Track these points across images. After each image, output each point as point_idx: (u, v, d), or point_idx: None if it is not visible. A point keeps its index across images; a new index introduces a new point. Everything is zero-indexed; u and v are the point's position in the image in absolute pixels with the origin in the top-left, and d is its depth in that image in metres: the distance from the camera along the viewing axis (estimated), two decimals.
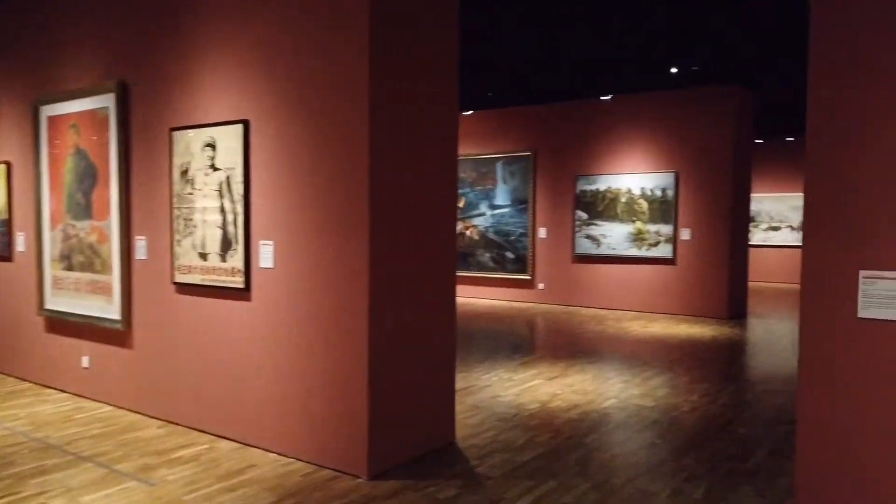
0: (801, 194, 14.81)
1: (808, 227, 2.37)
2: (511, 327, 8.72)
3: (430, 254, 3.84)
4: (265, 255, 3.78)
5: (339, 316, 3.49)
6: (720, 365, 6.42)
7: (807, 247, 2.37)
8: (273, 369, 3.80)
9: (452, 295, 4.02)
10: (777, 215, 14.83)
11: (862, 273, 2.21)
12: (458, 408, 4.72)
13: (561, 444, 4.05)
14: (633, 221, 10.01)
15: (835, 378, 2.30)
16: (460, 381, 5.53)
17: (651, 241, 9.86)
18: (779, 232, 14.80)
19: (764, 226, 14.83)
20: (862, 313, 2.21)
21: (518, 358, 6.58)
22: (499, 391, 5.30)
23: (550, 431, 4.28)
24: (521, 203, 11.08)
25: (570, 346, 7.37)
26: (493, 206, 11.39)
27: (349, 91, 3.41)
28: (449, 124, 3.95)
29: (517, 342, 7.65)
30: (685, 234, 9.59)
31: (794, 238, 14.58)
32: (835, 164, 2.33)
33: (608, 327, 8.53)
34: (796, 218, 14.55)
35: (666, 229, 9.71)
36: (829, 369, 2.31)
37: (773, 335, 8.12)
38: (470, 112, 11.26)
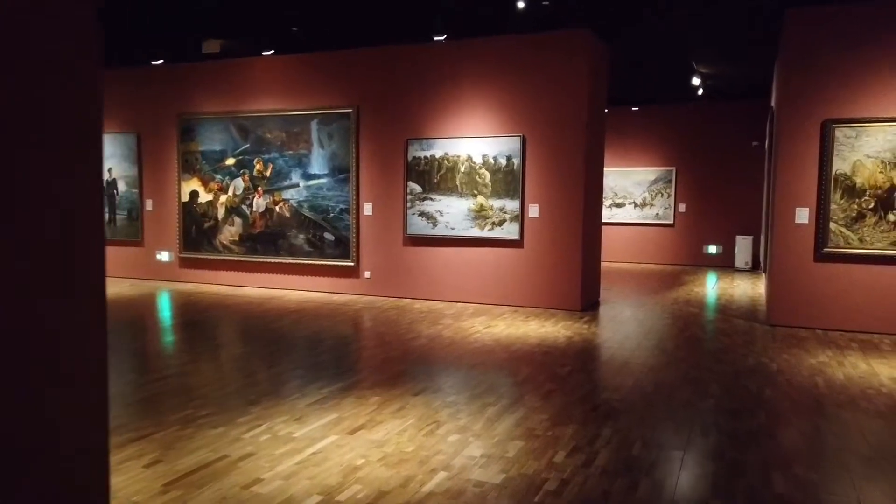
0: (647, 169, 14.30)
1: None
2: (319, 335, 6.67)
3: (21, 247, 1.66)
4: None
5: None
6: (584, 387, 4.85)
7: None
8: None
9: (97, 328, 1.86)
10: (621, 191, 14.06)
11: None
12: None
13: None
14: (475, 195, 8.33)
15: None
16: (207, 449, 3.39)
17: (495, 220, 8.24)
18: (622, 209, 14.06)
19: (608, 202, 14.00)
20: None
21: (314, 390, 4.56)
22: (261, 468, 3.25)
23: None
24: (341, 172, 8.99)
25: (394, 362, 5.49)
26: (308, 176, 9.19)
27: None
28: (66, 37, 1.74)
29: (321, 360, 5.62)
30: (533, 212, 8.08)
31: (638, 215, 13.91)
32: None
33: (444, 329, 6.77)
34: (640, 194, 13.88)
35: (512, 205, 8.14)
36: None
37: (631, 333, 6.82)
38: (271, 53, 8.89)
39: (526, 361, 5.51)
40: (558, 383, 4.83)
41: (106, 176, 10.54)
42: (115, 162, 10.44)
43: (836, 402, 4.43)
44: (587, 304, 8.15)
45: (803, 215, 6.84)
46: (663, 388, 4.74)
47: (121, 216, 10.49)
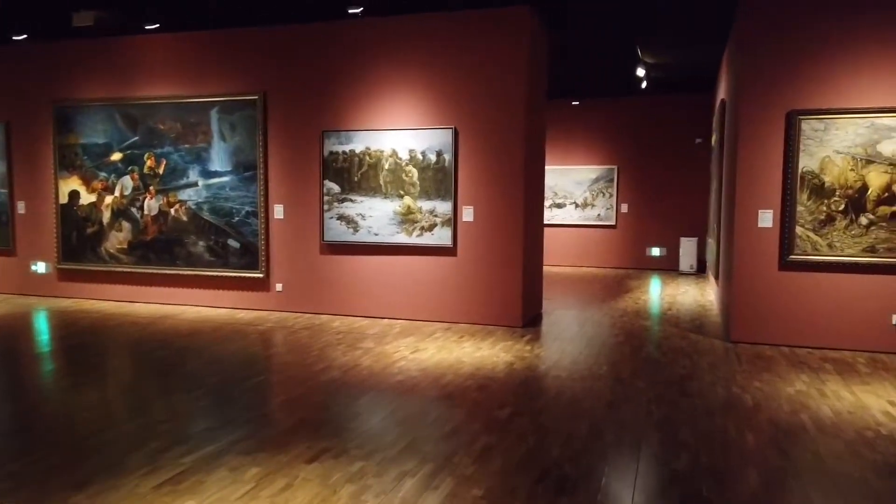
0: (588, 167, 13.56)
1: None
2: (207, 367, 5.47)
3: None
4: None
5: None
6: (528, 438, 3.86)
7: None
8: None
9: None
10: (561, 191, 13.29)
11: None
12: None
13: None
14: (401, 196, 7.27)
15: None
16: None
17: (424, 224, 7.21)
18: (563, 209, 13.29)
19: (548, 202, 13.20)
20: None
21: (171, 459, 3.40)
22: None
23: None
24: (247, 169, 7.76)
25: (292, 408, 4.38)
26: (208, 173, 7.92)
27: None
28: None
29: (197, 407, 4.44)
30: (467, 215, 7.10)
31: (579, 216, 13.16)
32: None
33: (363, 355, 5.69)
34: (581, 194, 13.13)
35: (443, 207, 7.13)
36: None
37: (580, 355, 5.92)
38: (156, 27, 7.55)
39: (457, 400, 4.50)
40: (496, 434, 3.84)
41: None
42: None
43: (835, 453, 3.60)
44: (528, 318, 7.23)
45: (766, 218, 6.10)
46: (626, 437, 3.82)
47: None
